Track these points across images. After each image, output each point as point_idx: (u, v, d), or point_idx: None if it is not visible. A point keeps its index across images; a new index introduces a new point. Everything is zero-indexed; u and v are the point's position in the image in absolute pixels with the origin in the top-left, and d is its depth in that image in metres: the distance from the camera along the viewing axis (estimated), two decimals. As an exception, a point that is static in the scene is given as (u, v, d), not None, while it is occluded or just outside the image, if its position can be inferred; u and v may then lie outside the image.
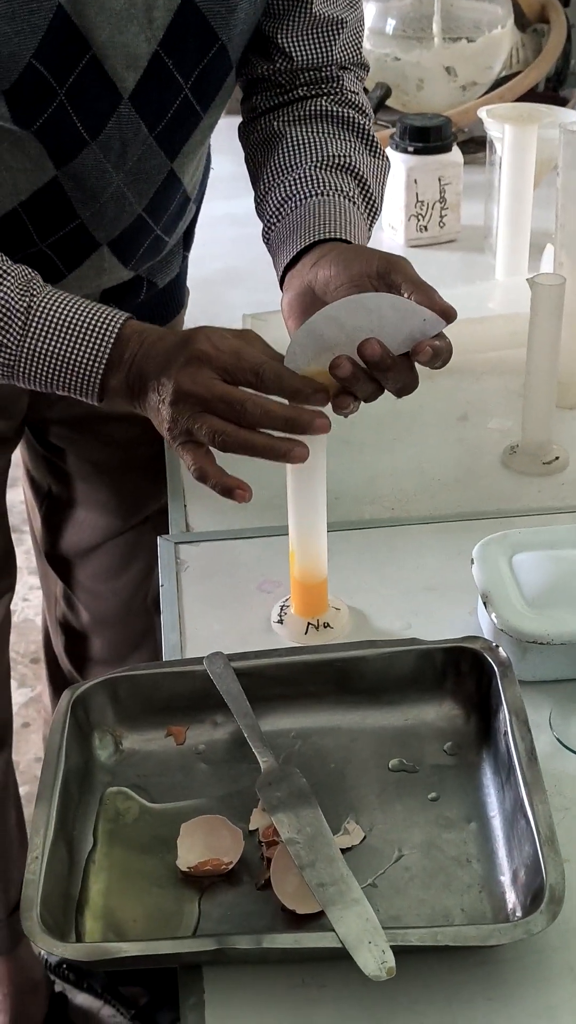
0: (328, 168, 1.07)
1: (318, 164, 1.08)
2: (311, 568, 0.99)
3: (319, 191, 1.05)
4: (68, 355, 0.94)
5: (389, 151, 1.71)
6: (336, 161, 1.08)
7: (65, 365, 0.94)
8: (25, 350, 0.94)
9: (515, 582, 0.97)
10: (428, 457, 1.25)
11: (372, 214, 1.10)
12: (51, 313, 0.94)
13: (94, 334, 0.94)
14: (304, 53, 1.13)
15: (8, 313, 0.94)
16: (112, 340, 0.94)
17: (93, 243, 1.15)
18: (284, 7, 1.11)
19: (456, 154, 1.69)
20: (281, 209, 1.07)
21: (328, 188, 1.05)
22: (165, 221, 1.20)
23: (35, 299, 0.95)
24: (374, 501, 1.18)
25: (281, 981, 0.74)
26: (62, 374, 0.95)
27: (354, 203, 1.05)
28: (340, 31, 1.14)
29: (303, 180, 1.06)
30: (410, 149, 1.67)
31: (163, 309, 1.33)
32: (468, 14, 2.00)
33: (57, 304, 0.95)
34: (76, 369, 0.94)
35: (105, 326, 0.94)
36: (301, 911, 0.76)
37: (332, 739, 0.89)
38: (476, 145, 1.89)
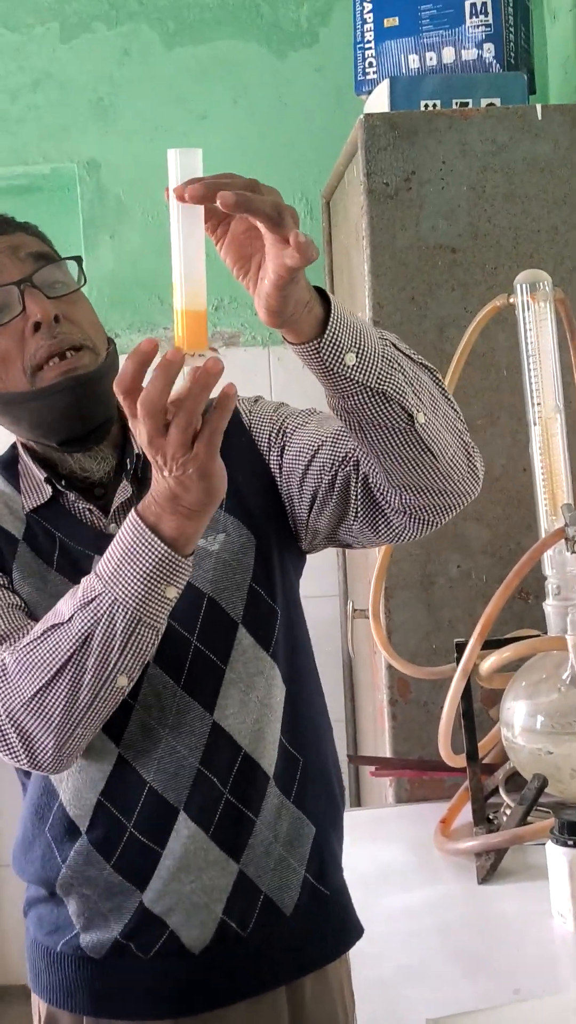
0: None
1: None
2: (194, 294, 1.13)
3: None
4: (126, 551, 1.23)
5: (550, 844, 1.83)
6: None
7: (131, 556, 1.23)
8: (108, 577, 1.24)
9: None
10: None
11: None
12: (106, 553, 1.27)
13: (127, 529, 1.24)
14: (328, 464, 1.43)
15: (88, 580, 1.27)
16: (137, 517, 1.23)
17: (171, 810, 1.32)
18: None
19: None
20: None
21: None
22: (235, 785, 1.35)
23: (95, 565, 1.28)
24: None
25: None
26: (136, 563, 1.22)
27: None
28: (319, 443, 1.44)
29: None
30: (570, 843, 1.79)
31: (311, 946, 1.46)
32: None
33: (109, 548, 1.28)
34: (137, 550, 1.22)
35: (130, 519, 1.25)
36: None
37: None
38: None
